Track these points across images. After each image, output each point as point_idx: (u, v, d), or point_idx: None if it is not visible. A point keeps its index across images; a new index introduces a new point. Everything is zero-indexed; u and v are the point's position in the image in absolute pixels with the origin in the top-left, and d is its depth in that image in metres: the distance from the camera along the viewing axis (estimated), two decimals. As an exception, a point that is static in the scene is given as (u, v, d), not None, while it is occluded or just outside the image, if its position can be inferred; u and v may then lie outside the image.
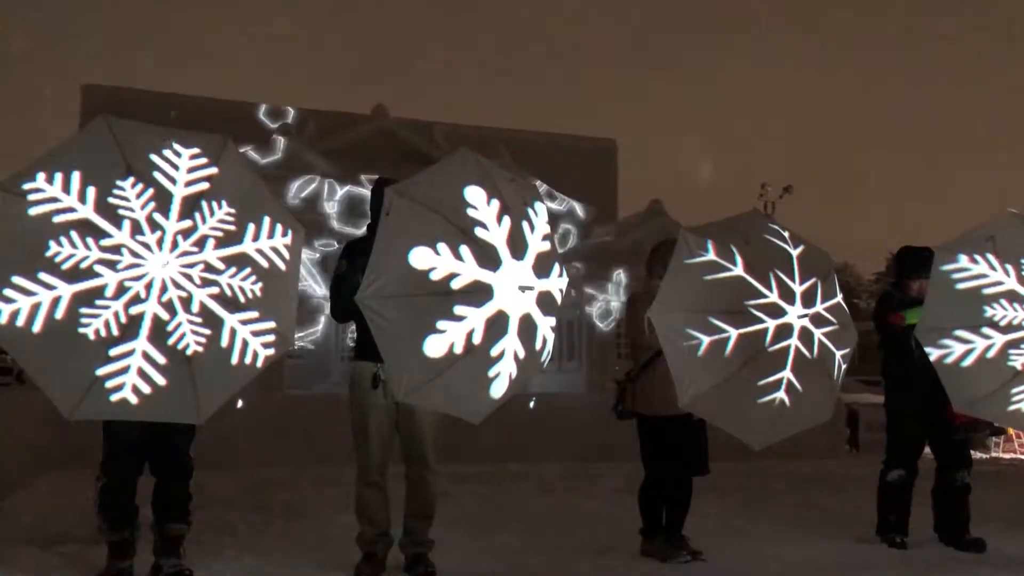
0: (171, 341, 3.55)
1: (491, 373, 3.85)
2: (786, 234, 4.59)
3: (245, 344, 3.70)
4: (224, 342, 3.66)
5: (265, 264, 3.77)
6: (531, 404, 10.50)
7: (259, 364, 3.76)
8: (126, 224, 3.51)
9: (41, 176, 3.43)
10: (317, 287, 13.48)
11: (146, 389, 3.51)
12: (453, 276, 3.70)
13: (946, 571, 4.92)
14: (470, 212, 3.81)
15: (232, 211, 3.72)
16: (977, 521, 5.66)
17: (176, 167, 3.63)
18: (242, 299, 3.70)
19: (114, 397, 3.49)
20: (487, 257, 3.79)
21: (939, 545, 5.61)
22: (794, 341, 4.35)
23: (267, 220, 3.81)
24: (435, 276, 3.67)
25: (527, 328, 3.93)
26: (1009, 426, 6.35)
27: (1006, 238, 4.69)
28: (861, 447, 13.52)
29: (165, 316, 3.54)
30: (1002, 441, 13.97)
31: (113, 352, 3.47)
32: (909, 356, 5.25)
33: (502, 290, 3.82)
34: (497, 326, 3.82)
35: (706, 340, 4.18)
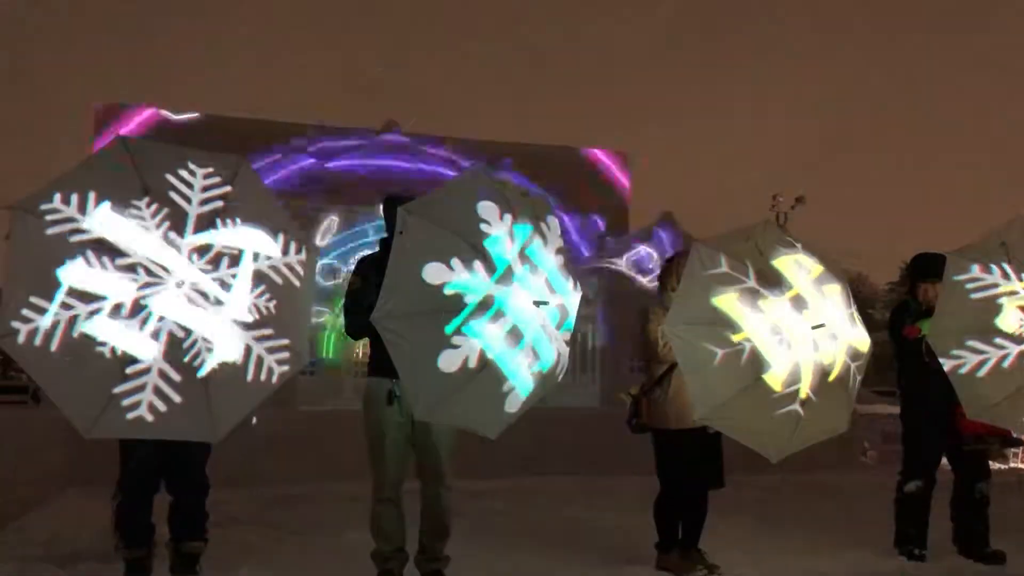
0: (187, 359, 3.57)
1: (505, 388, 3.86)
2: (799, 245, 4.59)
3: (260, 361, 3.72)
4: (238, 360, 3.68)
5: (279, 281, 3.79)
6: (545, 418, 10.47)
7: (274, 381, 3.77)
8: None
9: (58, 197, 3.47)
10: None
11: (162, 407, 3.53)
12: (467, 291, 3.71)
13: (965, 583, 4.89)
14: (483, 227, 3.82)
15: (247, 230, 3.74)
16: (996, 533, 5.61)
17: (191, 186, 3.66)
18: (257, 316, 3.72)
19: (130, 415, 3.51)
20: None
21: (958, 557, 5.57)
22: (809, 352, 4.34)
23: (281, 238, 3.83)
24: (449, 291, 3.69)
25: (541, 342, 3.94)
26: (1024, 434, 6.31)
27: (1020, 245, 4.67)
28: (878, 459, 13.39)
29: (180, 334, 3.56)
30: (1021, 452, 13.82)
31: (129, 370, 3.50)
32: (925, 366, 5.24)
33: (516, 305, 3.83)
34: (511, 340, 3.82)
35: (720, 352, 4.17)
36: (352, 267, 4.81)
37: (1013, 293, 4.56)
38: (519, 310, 3.82)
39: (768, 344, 4.22)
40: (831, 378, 4.42)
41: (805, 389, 4.29)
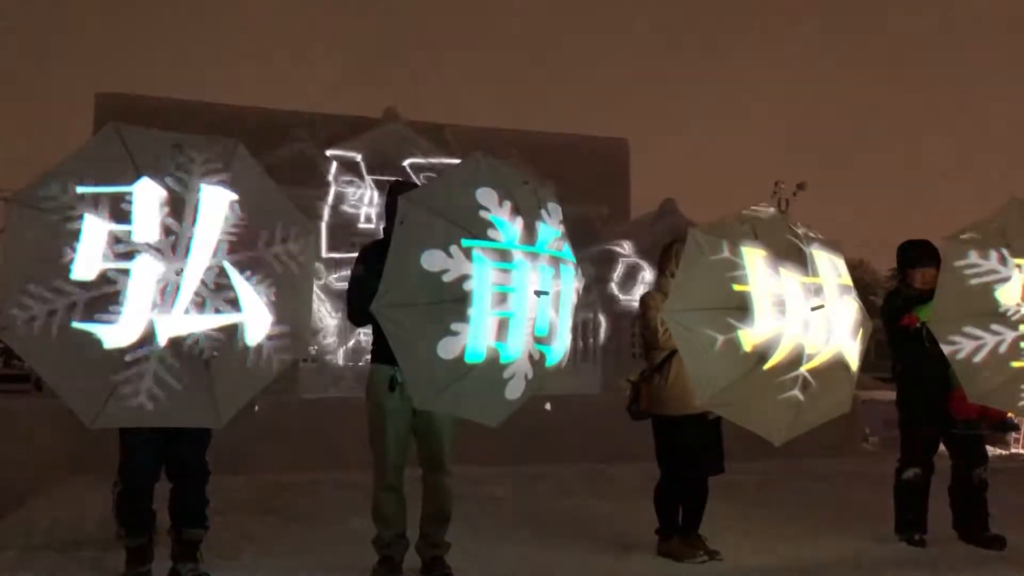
0: (186, 346, 3.56)
1: (506, 375, 3.85)
2: (798, 229, 4.58)
3: (260, 348, 3.71)
4: (239, 346, 3.68)
5: (278, 269, 3.78)
6: (547, 406, 10.50)
7: (274, 368, 3.77)
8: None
9: (53, 185, 3.45)
10: None
11: (162, 394, 3.53)
12: (465, 279, 3.70)
13: (966, 568, 4.89)
14: (482, 214, 3.80)
15: (244, 215, 3.73)
16: (997, 518, 5.61)
17: (188, 172, 3.65)
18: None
19: (131, 403, 3.51)
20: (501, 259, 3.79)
21: (958, 542, 5.57)
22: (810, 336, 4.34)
23: (280, 224, 3.82)
24: (447, 279, 3.67)
25: (542, 329, 3.93)
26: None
27: (1018, 231, 4.67)
28: (879, 445, 13.42)
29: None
30: (1022, 437, 13.83)
31: (129, 358, 3.49)
32: (921, 353, 5.24)
33: (516, 292, 3.81)
34: (512, 327, 3.81)
35: (721, 338, 4.16)
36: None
37: (1009, 279, 4.56)
38: (519, 297, 3.81)
39: (768, 323, 4.20)
40: (831, 360, 4.41)
41: (805, 372, 4.28)
